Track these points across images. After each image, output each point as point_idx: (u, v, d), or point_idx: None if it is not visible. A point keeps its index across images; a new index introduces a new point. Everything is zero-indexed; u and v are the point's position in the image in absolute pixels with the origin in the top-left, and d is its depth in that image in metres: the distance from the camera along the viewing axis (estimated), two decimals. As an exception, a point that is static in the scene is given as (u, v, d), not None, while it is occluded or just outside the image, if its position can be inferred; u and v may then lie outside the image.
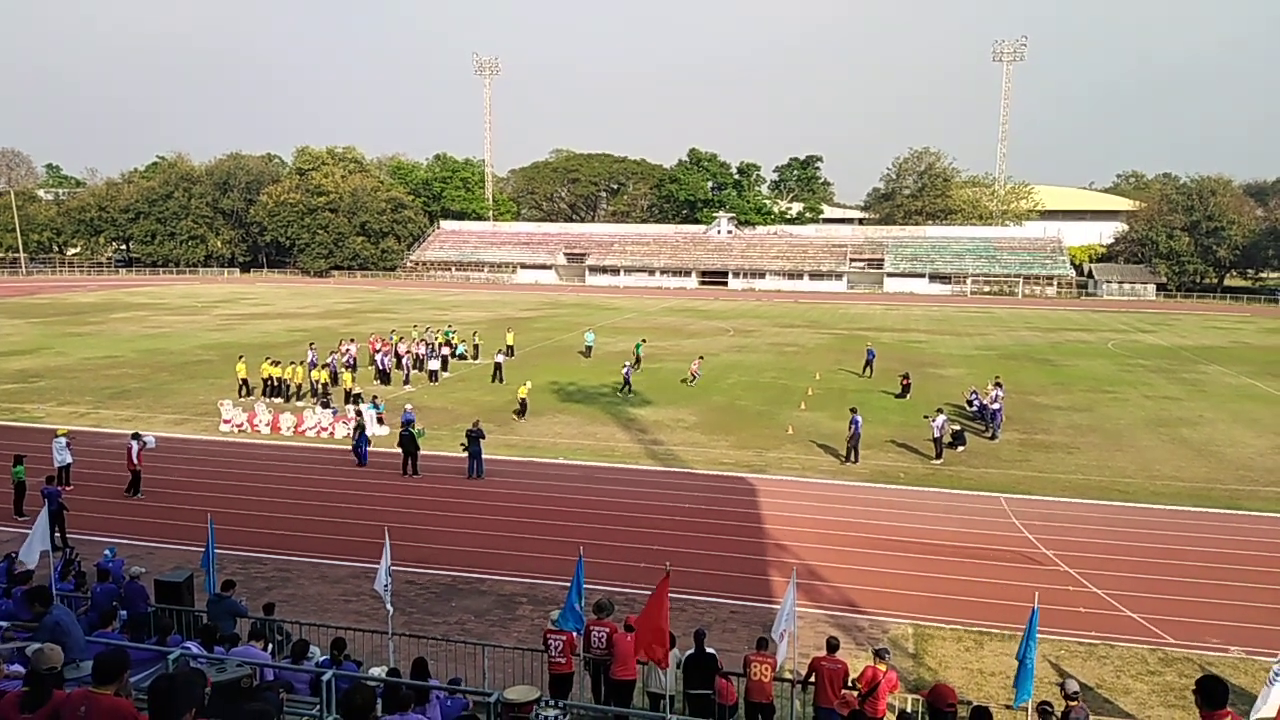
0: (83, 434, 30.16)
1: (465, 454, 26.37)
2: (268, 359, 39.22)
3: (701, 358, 45.68)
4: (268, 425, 31.95)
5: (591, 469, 27.41)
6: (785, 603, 12.87)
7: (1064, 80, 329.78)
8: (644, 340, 49.42)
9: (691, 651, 12.29)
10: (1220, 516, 23.35)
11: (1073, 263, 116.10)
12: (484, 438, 26.63)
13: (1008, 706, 13.30)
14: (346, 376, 37.94)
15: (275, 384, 37.79)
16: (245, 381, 38.27)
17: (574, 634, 12.84)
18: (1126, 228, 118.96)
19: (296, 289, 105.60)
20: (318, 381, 37.49)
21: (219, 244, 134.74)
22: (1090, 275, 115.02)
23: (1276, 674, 11.40)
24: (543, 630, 13.44)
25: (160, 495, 23.94)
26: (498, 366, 43.18)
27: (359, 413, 30.07)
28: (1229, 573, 19.26)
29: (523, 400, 34.26)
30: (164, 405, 36.03)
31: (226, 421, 32.06)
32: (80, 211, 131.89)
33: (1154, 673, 14.99)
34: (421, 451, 27.15)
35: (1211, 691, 7.11)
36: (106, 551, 16.31)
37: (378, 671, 11.34)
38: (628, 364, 40.87)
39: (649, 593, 13.52)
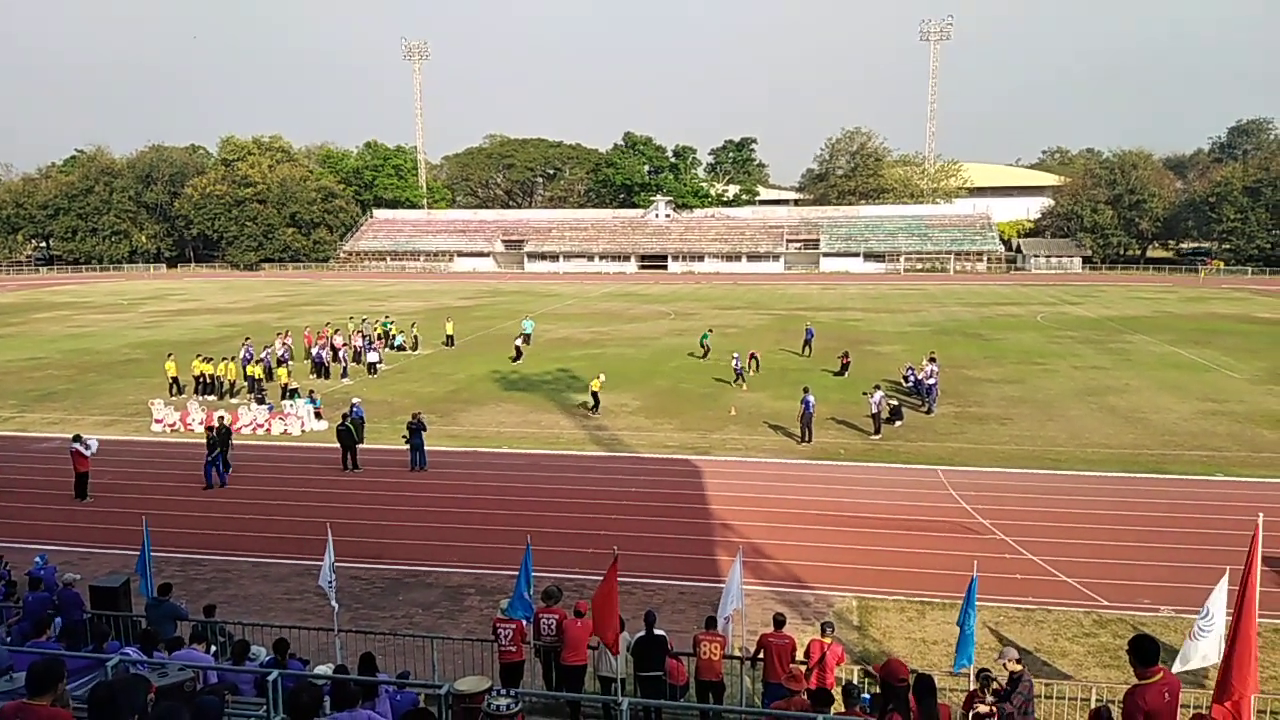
0: (6, 439, 29.17)
1: (406, 446, 26.11)
2: (199, 356, 38.28)
3: (756, 355, 41.65)
4: (201, 424, 31.19)
5: (536, 457, 27.33)
6: (731, 582, 13.02)
7: (990, 58, 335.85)
8: (710, 330, 48.49)
9: (641, 634, 12.36)
10: (1148, 481, 24.14)
11: (1001, 238, 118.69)
12: (425, 429, 26.38)
13: (950, 673, 13.62)
14: (281, 372, 37.23)
15: (208, 381, 36.93)
16: (176, 380, 37.32)
17: (523, 622, 12.83)
18: (1052, 203, 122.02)
19: (226, 283, 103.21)
20: (253, 377, 36.77)
21: (143, 239, 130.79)
22: (1019, 250, 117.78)
23: (1201, 630, 11.86)
24: (492, 620, 13.41)
25: (94, 499, 23.27)
26: (518, 350, 44.33)
27: (210, 429, 25.61)
28: (1158, 535, 19.96)
29: (594, 394, 33.29)
30: (92, 406, 35.00)
31: (158, 421, 31.27)
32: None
33: (1089, 635, 15.49)
34: (362, 445, 26.81)
35: (1143, 649, 7.40)
36: (37, 559, 15.83)
37: (324, 669, 11.20)
38: (735, 356, 38.99)
39: (597, 578, 13.57)
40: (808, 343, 46.07)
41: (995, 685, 11.20)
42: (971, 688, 11.81)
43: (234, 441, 25.92)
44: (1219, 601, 11.80)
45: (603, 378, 34.66)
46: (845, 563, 18.71)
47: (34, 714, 5.46)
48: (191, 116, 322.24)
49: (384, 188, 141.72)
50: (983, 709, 10.90)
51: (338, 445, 26.43)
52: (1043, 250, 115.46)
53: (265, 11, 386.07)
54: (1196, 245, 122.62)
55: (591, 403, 33.19)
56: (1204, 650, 11.84)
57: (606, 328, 57.76)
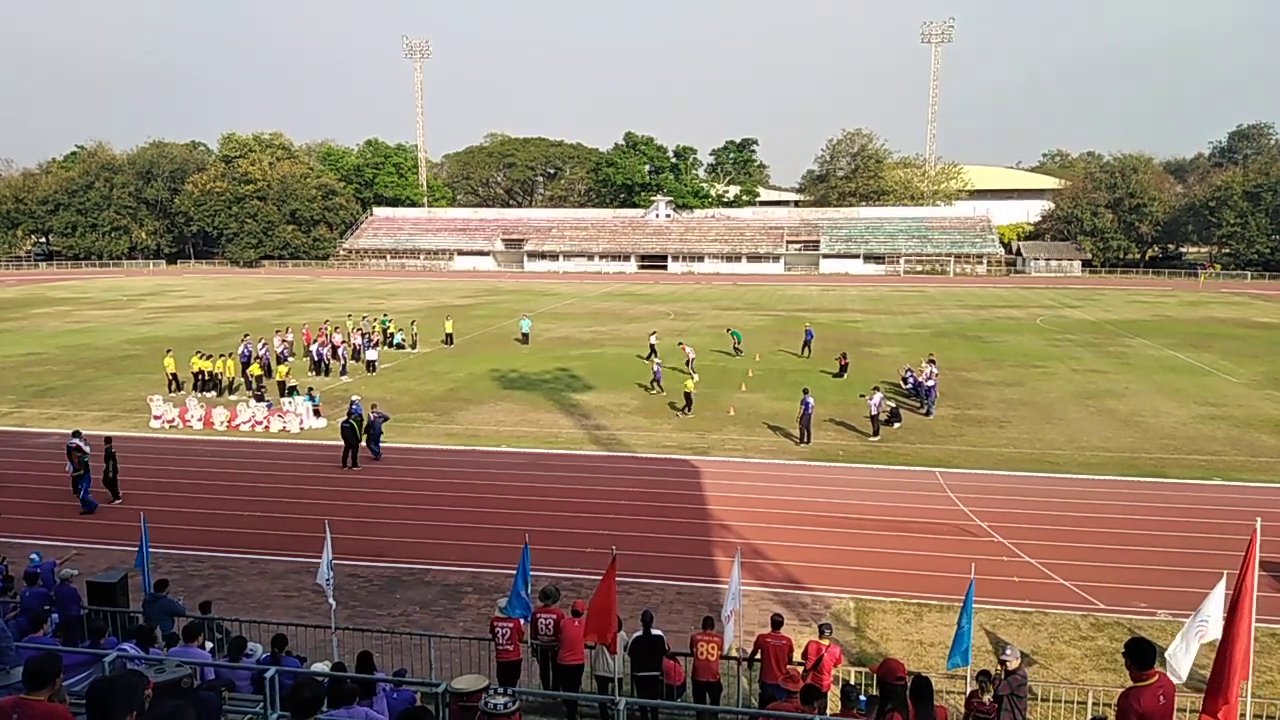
0: (5, 434, 29.17)
1: (404, 444, 26.25)
2: (198, 353, 38.27)
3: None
4: (200, 420, 31.23)
5: (535, 456, 27.32)
6: (732, 583, 13.02)
7: (991, 61, 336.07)
8: (729, 328, 49.86)
9: (639, 634, 12.37)
10: (1146, 485, 24.15)
11: (1001, 241, 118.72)
12: (387, 419, 27.30)
13: (946, 674, 13.63)
14: (280, 369, 37.17)
15: (207, 378, 36.91)
16: (175, 376, 37.31)
17: (521, 621, 12.83)
18: (1053, 206, 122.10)
19: (225, 280, 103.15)
20: (251, 375, 36.77)
21: (143, 235, 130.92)
22: (1018, 253, 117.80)
23: (1203, 622, 11.81)
24: (489, 619, 13.40)
25: (91, 495, 23.22)
26: (653, 348, 43.59)
27: (76, 449, 22.39)
28: (1155, 539, 19.96)
29: (687, 394, 32.80)
30: (91, 402, 34.98)
31: (157, 417, 31.25)
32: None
33: (1086, 638, 15.49)
34: (361, 443, 26.80)
35: (1140, 652, 7.39)
36: (33, 555, 15.81)
37: (321, 666, 11.19)
38: (658, 363, 38.08)
39: (595, 578, 13.57)
40: (807, 344, 46.09)
41: (994, 685, 11.24)
42: (971, 688, 11.83)
43: (233, 439, 25.88)
44: (1215, 607, 11.78)
45: (696, 378, 34.15)
46: (843, 564, 18.71)
47: (31, 709, 5.46)
48: (192, 113, 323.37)
49: (384, 186, 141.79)
50: (986, 698, 10.97)
51: (335, 443, 26.46)
52: (1042, 253, 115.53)
53: (267, 9, 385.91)
54: (1180, 250, 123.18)
55: (684, 403, 32.77)
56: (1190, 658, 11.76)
57: (606, 327, 57.74)
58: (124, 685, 4.96)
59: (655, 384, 36.74)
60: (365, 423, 26.92)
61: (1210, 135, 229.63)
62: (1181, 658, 11.36)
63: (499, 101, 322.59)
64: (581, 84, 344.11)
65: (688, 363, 40.53)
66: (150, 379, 38.76)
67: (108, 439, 23.74)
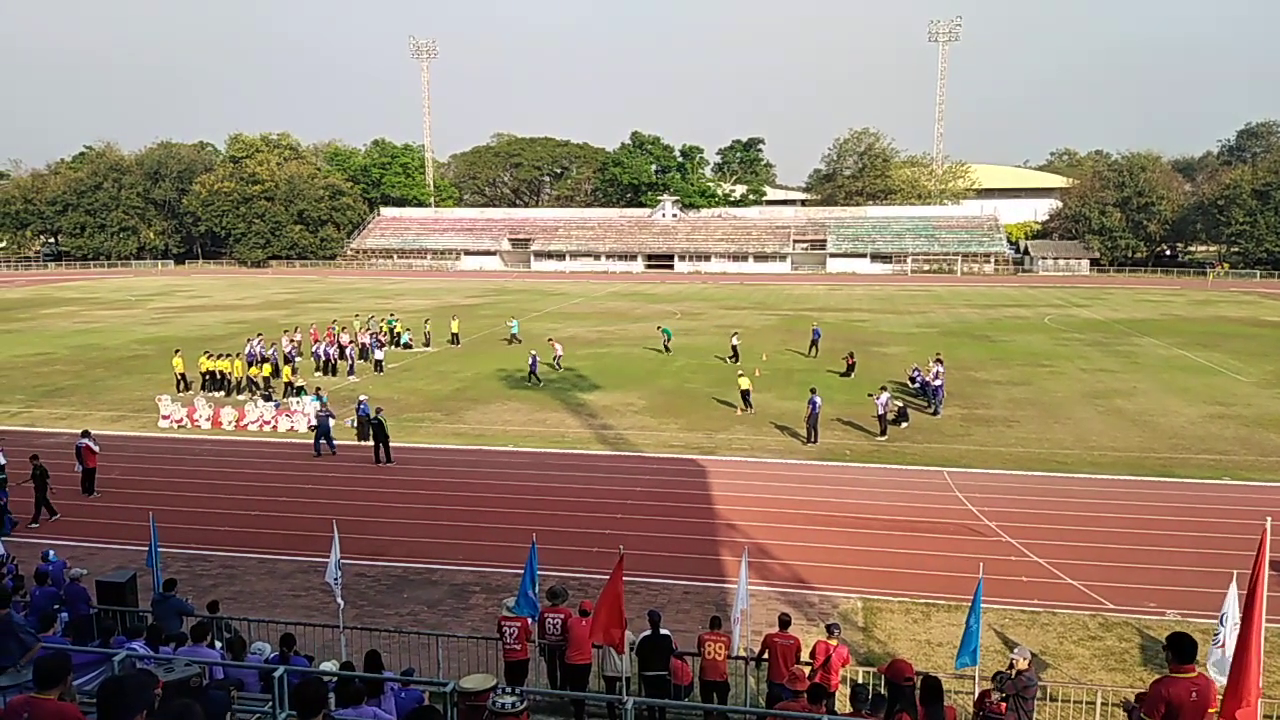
0: (15, 434, 29.26)
1: (418, 444, 26.21)
2: (206, 353, 38.40)
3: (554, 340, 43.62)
4: (208, 420, 31.31)
5: (542, 455, 27.33)
6: (739, 583, 13.02)
7: (999, 60, 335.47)
8: (659, 327, 50.90)
9: (646, 633, 12.36)
10: (1155, 484, 24.06)
11: (1009, 240, 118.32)
12: (334, 416, 27.40)
13: (954, 674, 13.60)
14: (286, 370, 37.26)
15: (216, 378, 37.00)
16: (183, 376, 37.44)
17: (529, 620, 12.84)
18: (1061, 205, 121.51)
19: (233, 280, 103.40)
20: (258, 375, 36.85)
21: (151, 235, 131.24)
22: (1026, 252, 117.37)
23: (1217, 637, 11.75)
24: (497, 618, 13.41)
25: (101, 494, 23.33)
26: (735, 349, 43.38)
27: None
28: (1164, 539, 19.89)
29: (744, 391, 32.63)
30: (99, 402, 35.10)
31: (165, 417, 31.35)
32: (4, 204, 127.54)
33: (1095, 638, 15.44)
34: (365, 442, 26.89)
35: (1181, 646, 7.37)
36: (50, 555, 15.86)
37: (329, 666, 11.22)
38: (533, 354, 39.48)
39: (602, 578, 13.57)
40: (814, 344, 46.05)
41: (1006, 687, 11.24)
42: (983, 688, 11.80)
43: (241, 439, 25.91)
44: (1231, 608, 11.71)
45: (743, 374, 33.95)
46: (850, 564, 18.68)
47: (41, 708, 5.48)
48: (200, 113, 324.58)
49: (391, 186, 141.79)
50: (995, 697, 10.97)
51: (343, 442, 26.61)
52: (1050, 252, 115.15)
53: (274, 10, 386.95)
54: (1187, 250, 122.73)
55: (743, 404, 32.56)
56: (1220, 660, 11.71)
57: (612, 327, 57.75)
58: (134, 684, 4.98)
59: (532, 375, 37.95)
60: (354, 419, 27.03)
61: (1219, 133, 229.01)
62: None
63: (505, 101, 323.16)
64: (588, 84, 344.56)
65: (555, 359, 41.09)
66: (158, 379, 38.89)
67: (35, 455, 22.14)
